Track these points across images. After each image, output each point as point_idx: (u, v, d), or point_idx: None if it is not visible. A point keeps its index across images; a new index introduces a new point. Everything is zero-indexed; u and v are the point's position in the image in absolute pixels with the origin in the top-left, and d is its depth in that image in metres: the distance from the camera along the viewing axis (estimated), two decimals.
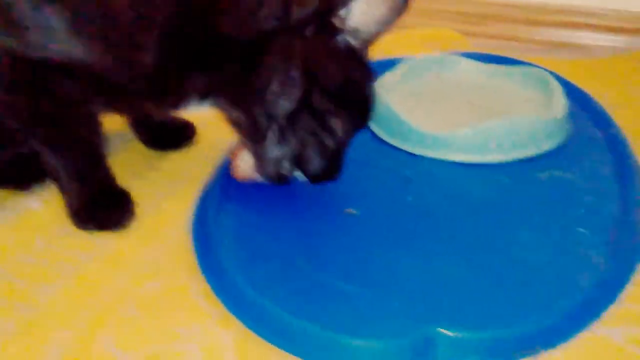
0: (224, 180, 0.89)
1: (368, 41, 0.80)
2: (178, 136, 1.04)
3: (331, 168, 0.82)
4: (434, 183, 0.91)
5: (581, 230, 0.79)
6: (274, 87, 0.76)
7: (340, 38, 0.78)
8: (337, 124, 0.80)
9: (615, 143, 0.97)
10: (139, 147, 1.04)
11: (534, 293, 0.70)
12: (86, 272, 0.77)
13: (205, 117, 1.03)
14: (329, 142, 0.80)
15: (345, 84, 0.79)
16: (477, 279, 0.71)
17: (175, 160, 1.01)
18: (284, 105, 0.77)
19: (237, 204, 0.86)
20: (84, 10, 0.69)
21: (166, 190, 0.93)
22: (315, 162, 0.80)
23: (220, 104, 0.81)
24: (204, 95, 0.80)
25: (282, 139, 0.79)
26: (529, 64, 1.15)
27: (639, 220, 0.81)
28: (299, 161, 0.80)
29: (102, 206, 0.85)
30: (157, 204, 0.89)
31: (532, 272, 0.73)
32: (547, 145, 0.97)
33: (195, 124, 1.05)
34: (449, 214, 0.84)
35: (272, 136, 0.79)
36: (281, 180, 0.82)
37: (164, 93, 0.78)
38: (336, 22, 0.77)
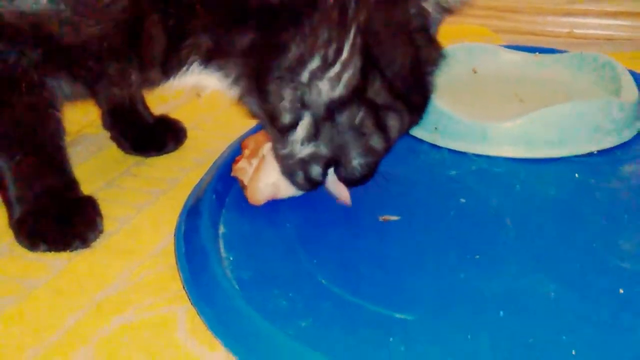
0: (222, 184, 0.73)
1: (451, 11, 0.63)
2: (164, 139, 0.89)
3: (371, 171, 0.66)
4: (490, 183, 0.77)
5: None
6: (314, 61, 0.58)
7: (415, 7, 0.60)
8: (394, 122, 0.63)
9: None
10: (114, 151, 0.89)
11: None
12: (29, 305, 0.60)
13: (197, 117, 0.86)
14: (378, 144, 0.63)
15: (413, 71, 0.61)
16: (568, 300, 0.56)
17: (156, 165, 0.86)
18: (326, 92, 0.59)
19: (241, 213, 0.70)
20: None
21: (143, 200, 0.77)
22: (356, 167, 0.64)
23: (229, 76, 0.62)
24: (206, 59, 0.61)
25: (315, 134, 0.61)
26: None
27: None
28: (334, 162, 0.64)
29: (56, 218, 0.67)
30: (132, 216, 0.74)
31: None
32: (626, 134, 0.84)
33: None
34: (519, 218, 0.69)
35: (302, 130, 0.61)
36: (310, 186, 0.65)
37: (146, 56, 0.61)
38: None
